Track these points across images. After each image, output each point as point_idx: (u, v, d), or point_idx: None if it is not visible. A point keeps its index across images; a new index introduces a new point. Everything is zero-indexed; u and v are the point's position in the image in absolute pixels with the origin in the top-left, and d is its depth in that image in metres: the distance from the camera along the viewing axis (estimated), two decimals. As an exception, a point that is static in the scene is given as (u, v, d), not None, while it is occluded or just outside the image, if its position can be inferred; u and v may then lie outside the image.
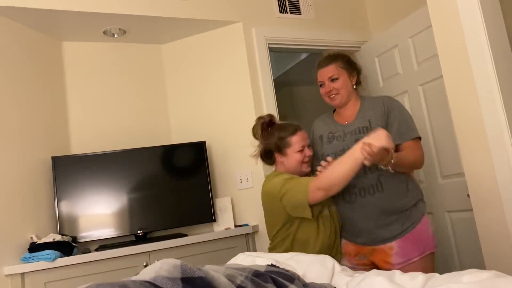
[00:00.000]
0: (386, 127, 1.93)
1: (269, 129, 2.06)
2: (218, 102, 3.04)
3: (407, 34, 2.89)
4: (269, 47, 3.08)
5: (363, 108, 2.04)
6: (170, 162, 2.82)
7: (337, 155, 1.93)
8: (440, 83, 2.55)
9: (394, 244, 1.91)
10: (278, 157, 2.03)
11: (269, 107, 2.96)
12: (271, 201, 1.97)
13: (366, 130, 1.95)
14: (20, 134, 2.53)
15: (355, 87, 2.08)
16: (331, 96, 2.05)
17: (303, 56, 4.35)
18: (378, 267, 1.93)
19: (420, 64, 2.83)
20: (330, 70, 2.05)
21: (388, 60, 3.09)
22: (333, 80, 2.03)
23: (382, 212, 1.92)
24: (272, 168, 2.13)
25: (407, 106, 2.94)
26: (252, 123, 2.90)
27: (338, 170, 1.78)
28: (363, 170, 1.90)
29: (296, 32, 3.17)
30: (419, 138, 2.01)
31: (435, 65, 2.64)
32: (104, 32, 2.91)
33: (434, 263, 1.96)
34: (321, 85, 2.09)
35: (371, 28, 3.46)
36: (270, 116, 2.10)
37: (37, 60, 2.73)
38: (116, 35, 2.97)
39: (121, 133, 2.99)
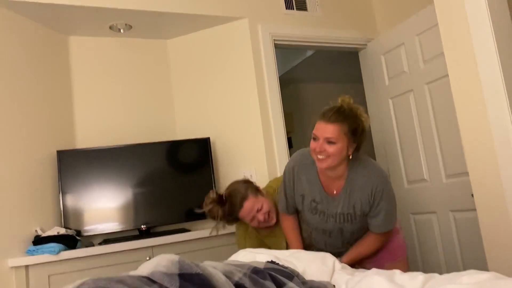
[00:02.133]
0: (367, 213, 1.84)
1: (223, 205, 2.08)
2: (223, 99, 3.04)
3: (413, 32, 2.87)
4: (275, 44, 3.07)
5: (350, 186, 1.82)
6: (174, 157, 2.83)
7: (317, 228, 1.93)
8: (446, 82, 2.53)
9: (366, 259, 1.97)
10: None
11: (274, 104, 2.96)
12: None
13: (350, 217, 1.84)
14: (26, 128, 2.54)
15: (350, 156, 1.79)
16: (319, 158, 1.76)
17: (309, 53, 4.34)
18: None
19: (426, 62, 2.81)
20: (331, 130, 1.72)
21: (394, 58, 3.07)
22: (329, 142, 1.72)
23: (348, 248, 1.96)
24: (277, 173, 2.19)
25: (412, 105, 2.93)
26: (257, 121, 2.92)
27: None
28: (339, 246, 1.95)
29: (302, 29, 3.15)
30: None
31: (441, 64, 2.62)
32: (110, 27, 2.91)
33: (407, 265, 2.04)
34: (314, 138, 1.77)
35: (377, 25, 3.44)
36: (216, 194, 2.10)
37: (43, 55, 2.75)
38: (122, 30, 2.97)
39: (126, 128, 3.00)
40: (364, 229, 1.90)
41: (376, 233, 1.88)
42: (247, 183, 2.13)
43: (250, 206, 2.03)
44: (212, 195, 2.10)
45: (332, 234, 1.91)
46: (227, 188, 2.14)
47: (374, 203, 1.80)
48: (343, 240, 1.92)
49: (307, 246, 2.01)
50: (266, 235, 2.18)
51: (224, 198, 2.09)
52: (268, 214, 2.06)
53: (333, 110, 1.76)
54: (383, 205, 1.81)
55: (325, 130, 1.72)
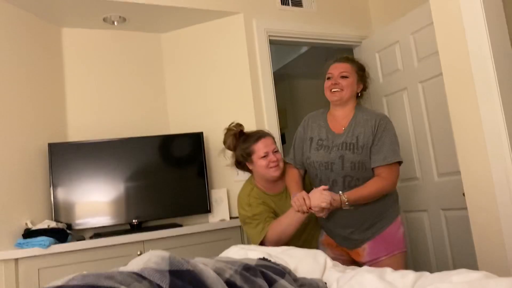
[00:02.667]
0: (371, 146, 1.97)
1: (240, 139, 2.18)
2: (216, 93, 3.03)
3: (408, 31, 2.87)
4: (269, 39, 3.06)
5: (355, 121, 2.04)
6: (167, 152, 2.81)
7: (321, 166, 2.04)
8: (440, 81, 2.53)
9: (366, 245, 2.03)
10: (249, 165, 2.18)
11: (268, 100, 2.95)
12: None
13: (353, 146, 1.98)
14: (17, 120, 2.52)
15: (357, 95, 2.11)
16: (333, 91, 2.05)
17: (304, 49, 4.33)
18: (354, 260, 2.09)
19: (420, 61, 2.81)
20: (344, 66, 2.07)
21: (388, 56, 3.08)
22: (342, 77, 2.04)
23: (358, 223, 2.02)
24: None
25: (406, 103, 2.94)
26: (251, 116, 2.91)
27: (283, 223, 2.00)
28: (341, 186, 2.00)
29: (297, 25, 3.14)
30: (399, 163, 2.01)
31: (436, 63, 2.62)
32: (104, 19, 2.88)
33: (405, 261, 2.08)
34: (328, 78, 2.09)
35: (372, 23, 3.44)
36: (239, 126, 2.21)
37: (36, 46, 2.72)
38: (116, 23, 2.94)
39: (118, 122, 2.98)
40: (364, 169, 1.98)
41: (379, 167, 1.95)
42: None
43: (269, 142, 2.13)
44: (234, 125, 2.21)
45: (334, 166, 1.99)
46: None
47: (377, 134, 1.97)
48: (345, 174, 1.98)
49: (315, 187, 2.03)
50: (272, 195, 2.18)
51: (243, 132, 2.20)
52: (279, 163, 2.11)
53: (343, 55, 2.15)
54: (386, 137, 1.97)
55: (339, 67, 2.07)
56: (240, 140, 2.17)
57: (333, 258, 1.95)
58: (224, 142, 2.21)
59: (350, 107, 2.08)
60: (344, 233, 2.05)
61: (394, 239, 2.04)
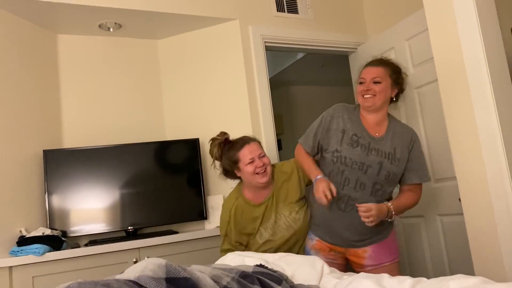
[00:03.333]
0: (406, 161, 1.98)
1: (225, 148, 2.13)
2: (213, 100, 3.03)
3: (403, 37, 2.89)
4: (265, 46, 3.07)
5: (392, 131, 2.00)
6: (163, 158, 2.80)
7: (354, 164, 1.94)
8: (435, 87, 2.54)
9: (368, 248, 2.01)
10: (237, 173, 2.13)
11: (264, 106, 2.95)
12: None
13: (391, 157, 1.95)
14: (12, 126, 2.50)
15: (392, 100, 2.04)
16: (366, 96, 1.97)
17: (300, 55, 4.34)
18: (351, 265, 2.07)
19: (415, 67, 2.82)
20: (377, 71, 1.98)
21: (384, 62, 3.09)
22: (375, 82, 1.96)
23: (366, 228, 1.95)
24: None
25: (401, 109, 2.94)
26: (247, 122, 2.91)
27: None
28: (368, 191, 1.96)
29: (293, 31, 3.16)
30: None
31: (431, 69, 2.63)
32: (100, 26, 2.88)
33: (399, 271, 2.08)
34: (361, 82, 2.01)
35: (368, 29, 3.46)
36: (224, 135, 2.16)
37: (31, 52, 2.71)
38: (111, 29, 2.94)
39: (114, 128, 2.97)
40: (394, 183, 2.00)
41: (416, 184, 1.99)
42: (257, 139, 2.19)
43: (255, 147, 2.08)
44: (219, 134, 2.16)
45: (369, 169, 1.93)
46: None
47: (413, 151, 1.97)
48: (376, 180, 1.94)
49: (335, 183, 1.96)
50: (257, 205, 2.13)
51: (229, 140, 2.15)
52: (266, 168, 2.06)
53: (378, 58, 2.06)
54: (421, 156, 2.00)
55: (372, 71, 1.98)
56: (225, 149, 2.12)
57: (326, 263, 1.95)
58: (211, 153, 2.15)
59: (383, 113, 2.02)
60: (349, 235, 2.00)
61: (394, 246, 2.05)
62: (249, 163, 2.04)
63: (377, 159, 1.94)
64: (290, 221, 2.09)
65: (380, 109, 2.00)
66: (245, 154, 2.06)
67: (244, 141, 2.11)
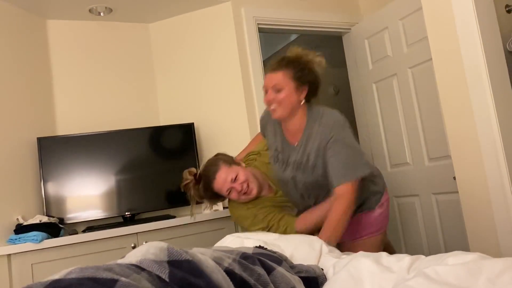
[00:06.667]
0: (323, 165, 1.76)
1: (200, 188, 2.01)
2: (206, 83, 3.01)
3: (397, 16, 2.87)
4: (258, 27, 3.04)
5: (307, 135, 1.80)
6: (158, 143, 2.79)
7: (278, 181, 1.95)
8: (429, 66, 2.54)
9: None
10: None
11: (258, 89, 2.93)
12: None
13: (302, 166, 1.80)
14: (4, 114, 2.47)
15: (303, 101, 1.80)
16: (272, 108, 1.78)
17: (293, 37, 4.31)
18: None
19: (409, 46, 2.82)
20: (276, 77, 1.76)
21: (378, 42, 3.07)
22: (277, 90, 1.75)
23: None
24: None
25: (396, 88, 2.94)
26: (242, 105, 2.90)
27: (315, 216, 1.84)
28: (302, 199, 1.90)
29: (286, 12, 3.12)
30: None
31: (425, 48, 2.62)
32: (90, 10, 2.83)
33: (380, 244, 1.93)
34: (265, 92, 1.82)
35: (361, 9, 3.43)
36: (190, 174, 2.02)
37: (21, 39, 2.66)
38: (102, 14, 2.89)
39: (107, 114, 2.94)
40: (320, 188, 1.82)
41: (336, 187, 1.71)
42: (218, 155, 2.05)
43: (223, 176, 1.91)
44: (186, 176, 2.02)
45: (288, 184, 1.87)
46: (202, 167, 2.07)
47: (330, 149, 1.72)
48: (300, 192, 1.86)
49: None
50: (267, 198, 2.04)
51: (198, 176, 2.01)
52: (247, 185, 1.92)
53: (276, 60, 1.81)
54: (338, 154, 1.71)
55: (271, 78, 1.77)
56: (201, 190, 1.99)
57: None
58: (192, 199, 2.03)
59: (300, 116, 1.81)
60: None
61: (371, 223, 1.91)
62: (228, 193, 1.95)
63: (290, 174, 1.83)
64: None
65: (294, 115, 1.80)
66: (220, 189, 1.94)
67: (213, 171, 1.94)
